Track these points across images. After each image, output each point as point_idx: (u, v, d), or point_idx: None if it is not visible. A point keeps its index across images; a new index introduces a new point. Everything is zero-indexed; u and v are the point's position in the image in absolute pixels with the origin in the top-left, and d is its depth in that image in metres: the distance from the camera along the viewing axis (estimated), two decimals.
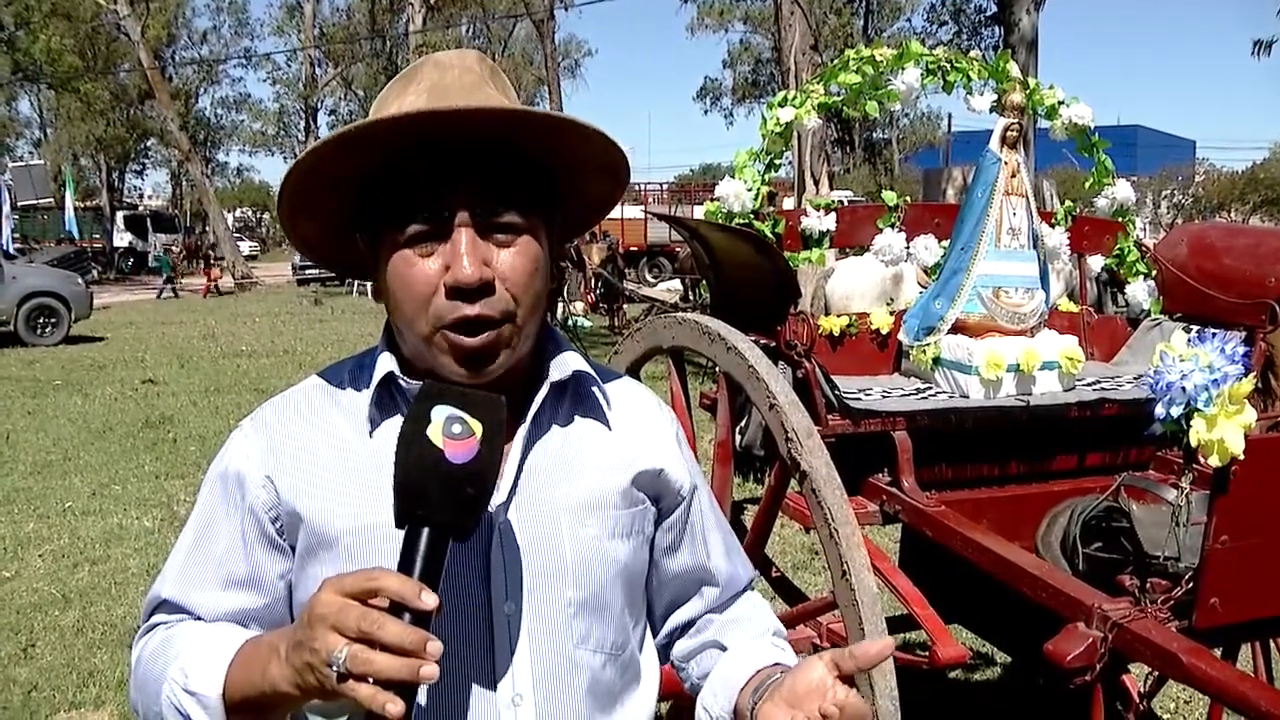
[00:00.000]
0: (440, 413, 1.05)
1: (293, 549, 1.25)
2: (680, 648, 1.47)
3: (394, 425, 1.24)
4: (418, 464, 1.03)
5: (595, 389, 1.34)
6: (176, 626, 1.25)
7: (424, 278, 1.18)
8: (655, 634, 1.48)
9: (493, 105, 1.20)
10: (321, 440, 1.27)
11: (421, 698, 0.99)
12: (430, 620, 0.99)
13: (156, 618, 1.28)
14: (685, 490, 1.40)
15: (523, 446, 1.26)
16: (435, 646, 0.97)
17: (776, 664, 1.32)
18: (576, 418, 1.33)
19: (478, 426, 1.05)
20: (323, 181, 1.21)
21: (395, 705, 0.95)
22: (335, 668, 0.96)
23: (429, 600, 0.98)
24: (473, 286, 1.16)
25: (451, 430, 1.04)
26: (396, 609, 0.98)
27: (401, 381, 1.25)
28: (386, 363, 1.26)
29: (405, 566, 1.03)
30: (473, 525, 1.08)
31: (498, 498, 1.21)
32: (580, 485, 1.28)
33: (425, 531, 1.04)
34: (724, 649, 1.41)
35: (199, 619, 1.26)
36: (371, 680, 0.96)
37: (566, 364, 1.31)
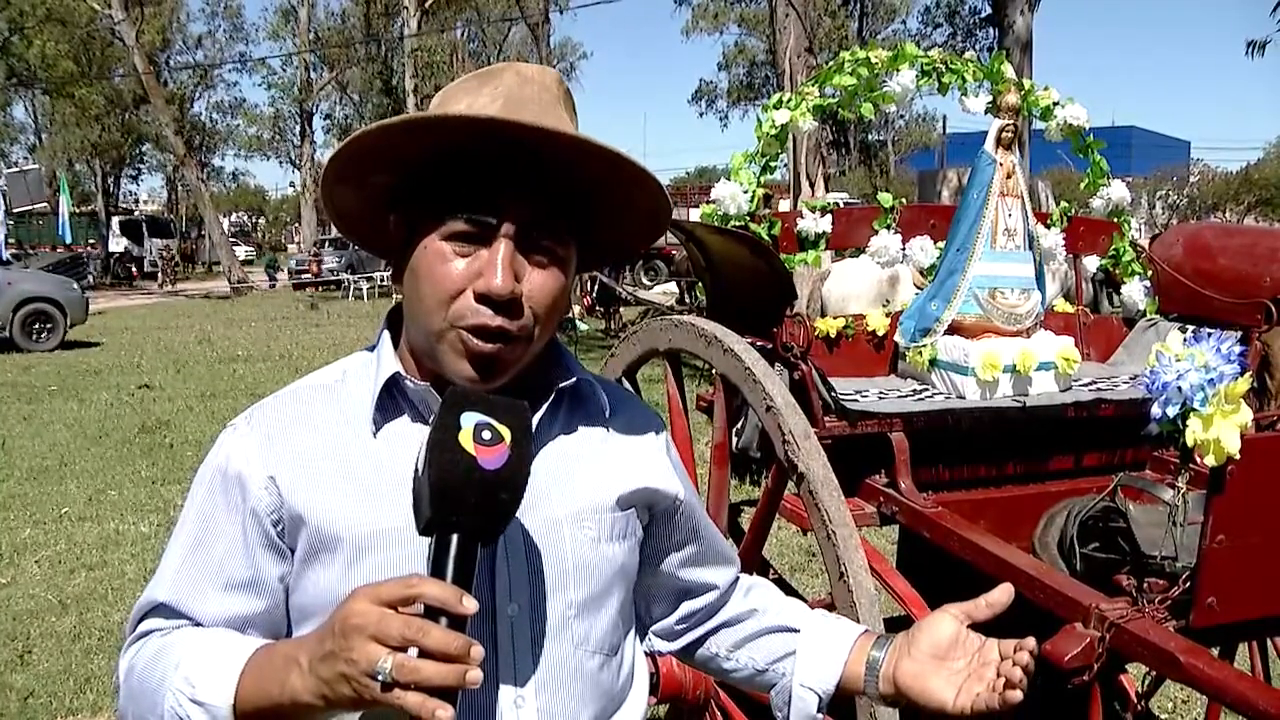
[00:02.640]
0: (469, 419, 1.05)
1: (292, 551, 1.24)
2: (724, 639, 1.51)
3: (397, 427, 1.26)
4: (452, 471, 1.03)
5: (592, 396, 1.36)
6: (173, 634, 1.23)
7: (455, 276, 1.18)
8: (658, 626, 1.52)
9: (567, 129, 1.20)
10: (319, 441, 1.26)
11: None
12: (466, 624, 1.00)
13: (149, 623, 1.26)
14: (682, 495, 1.43)
15: None
16: (478, 650, 0.98)
17: (866, 630, 1.42)
18: (579, 424, 1.35)
19: (506, 432, 1.05)
20: (376, 158, 1.22)
21: (445, 711, 0.95)
22: (380, 678, 0.96)
23: (470, 605, 0.99)
24: (503, 299, 1.17)
25: (482, 437, 1.04)
26: (431, 615, 0.99)
27: (408, 382, 1.25)
28: (391, 363, 1.26)
29: (438, 572, 1.03)
30: (501, 530, 1.08)
31: None
32: (580, 489, 1.30)
33: (455, 537, 1.04)
34: (794, 630, 1.46)
35: (196, 624, 1.24)
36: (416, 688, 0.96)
37: (569, 371, 1.33)
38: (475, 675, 0.97)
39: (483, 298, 1.17)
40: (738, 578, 1.55)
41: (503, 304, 1.17)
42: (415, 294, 1.22)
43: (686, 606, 1.51)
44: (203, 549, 1.26)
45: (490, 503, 1.04)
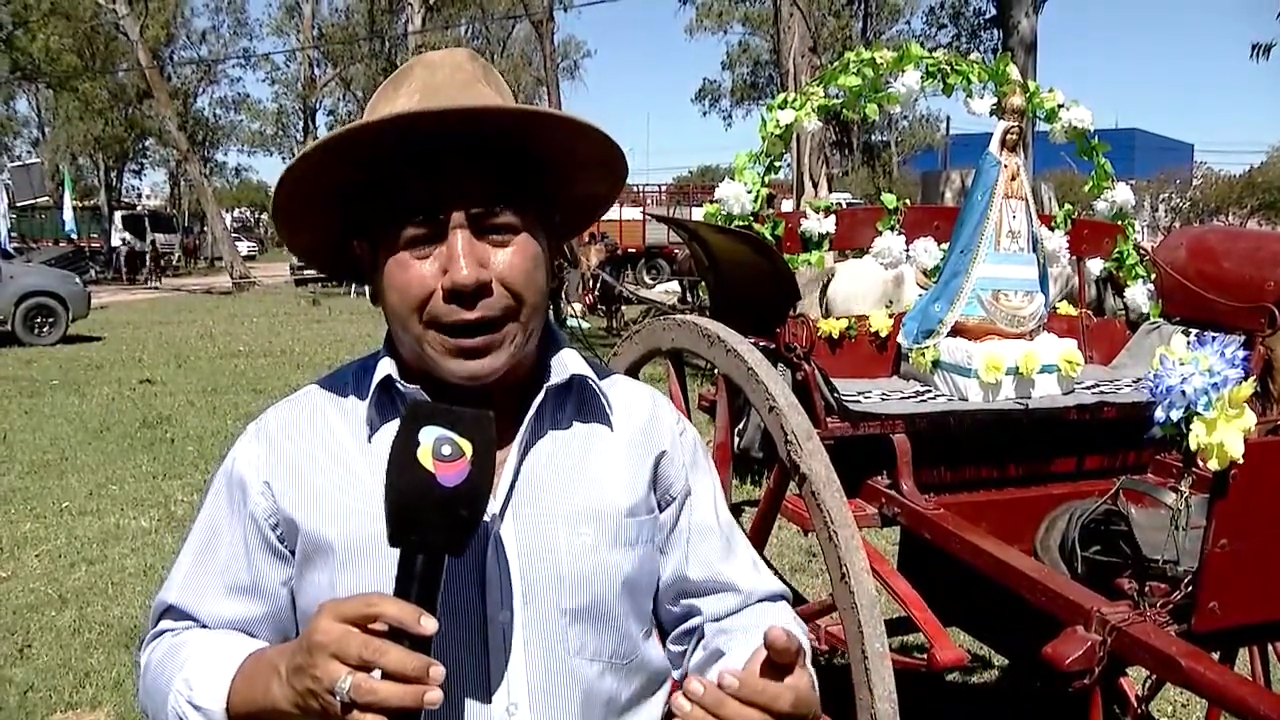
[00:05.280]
0: (429, 434, 1.03)
1: (293, 555, 1.25)
2: (693, 662, 1.40)
3: (393, 429, 1.24)
4: (409, 488, 1.02)
5: (596, 391, 1.32)
6: (183, 635, 1.25)
7: (419, 280, 1.17)
8: (668, 643, 1.44)
9: (485, 103, 1.19)
10: (321, 446, 1.26)
11: None
12: (430, 643, 0.99)
13: (163, 624, 1.29)
14: (677, 490, 1.37)
15: (520, 452, 1.25)
16: (438, 671, 0.97)
17: None
18: (576, 422, 1.31)
19: (467, 446, 1.04)
20: (315, 191, 1.20)
21: None
22: (339, 697, 0.96)
23: (428, 625, 0.98)
24: (470, 289, 1.15)
25: (441, 452, 1.02)
26: (396, 633, 0.98)
27: (400, 385, 1.24)
28: (386, 366, 1.26)
29: (402, 590, 1.02)
30: (467, 542, 1.07)
31: (493, 505, 1.20)
32: (579, 492, 1.27)
33: (419, 556, 1.03)
34: (722, 656, 1.34)
35: (205, 625, 1.26)
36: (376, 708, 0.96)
37: (566, 367, 1.30)
38: (434, 697, 0.96)
39: (452, 293, 1.16)
40: (755, 604, 1.41)
41: (472, 294, 1.16)
42: (390, 307, 1.21)
43: (685, 626, 1.41)
44: (209, 553, 1.28)
45: (450, 520, 1.03)
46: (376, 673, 0.96)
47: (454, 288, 1.15)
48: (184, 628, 1.27)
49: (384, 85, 1.28)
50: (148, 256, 36.11)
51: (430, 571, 1.03)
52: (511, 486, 1.23)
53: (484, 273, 1.16)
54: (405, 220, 1.17)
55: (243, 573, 1.25)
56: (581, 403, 1.33)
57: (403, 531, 1.03)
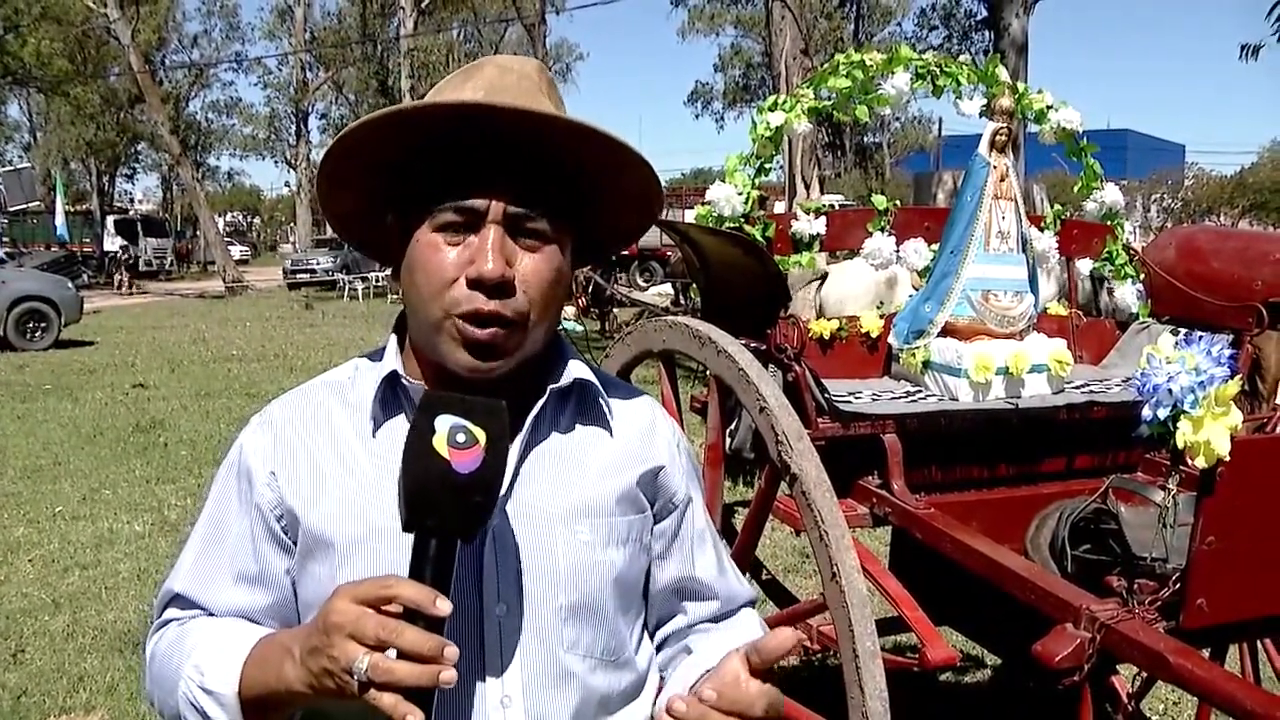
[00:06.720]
0: (444, 422, 1.06)
1: (296, 544, 1.27)
2: (661, 657, 1.45)
3: (396, 424, 1.27)
4: (425, 475, 1.05)
5: (598, 397, 1.35)
6: (189, 623, 1.28)
7: (447, 264, 1.20)
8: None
9: (552, 110, 1.22)
10: (324, 439, 1.28)
11: None
12: (444, 624, 1.01)
13: (169, 612, 1.31)
14: (679, 499, 1.40)
15: (520, 451, 1.27)
16: (452, 651, 0.99)
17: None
18: (578, 425, 1.34)
19: (481, 434, 1.06)
20: (365, 158, 1.24)
21: (416, 716, 0.97)
22: (357, 676, 0.98)
23: (444, 607, 1.01)
24: (494, 282, 1.18)
25: (456, 440, 1.05)
26: (410, 615, 1.00)
27: (405, 380, 1.27)
28: (391, 361, 1.29)
29: (416, 573, 1.05)
30: (479, 529, 1.10)
31: None
32: (577, 491, 1.29)
33: (433, 540, 1.06)
34: (690, 653, 1.39)
35: (211, 613, 1.28)
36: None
37: (570, 372, 1.33)
38: (449, 675, 0.98)
39: (475, 283, 1.18)
40: (735, 611, 1.46)
41: (495, 288, 1.18)
42: (411, 286, 1.24)
43: (666, 629, 1.45)
44: (215, 542, 1.30)
45: (464, 505, 1.06)
46: (391, 652, 0.99)
47: (479, 278, 1.18)
48: (190, 616, 1.29)
49: (453, 75, 1.32)
50: (141, 260, 35.75)
51: (443, 556, 1.06)
52: (511, 484, 1.25)
53: (509, 270, 1.19)
54: (444, 203, 1.20)
55: (250, 562, 1.27)
56: (582, 406, 1.35)
57: (418, 516, 1.06)
